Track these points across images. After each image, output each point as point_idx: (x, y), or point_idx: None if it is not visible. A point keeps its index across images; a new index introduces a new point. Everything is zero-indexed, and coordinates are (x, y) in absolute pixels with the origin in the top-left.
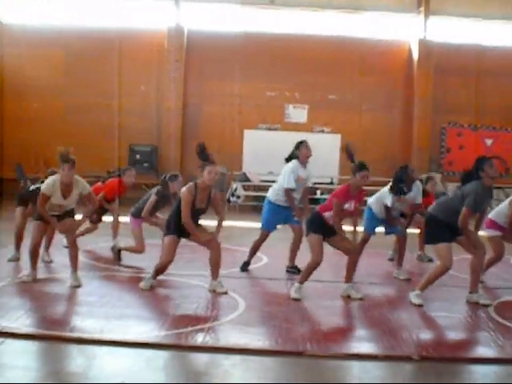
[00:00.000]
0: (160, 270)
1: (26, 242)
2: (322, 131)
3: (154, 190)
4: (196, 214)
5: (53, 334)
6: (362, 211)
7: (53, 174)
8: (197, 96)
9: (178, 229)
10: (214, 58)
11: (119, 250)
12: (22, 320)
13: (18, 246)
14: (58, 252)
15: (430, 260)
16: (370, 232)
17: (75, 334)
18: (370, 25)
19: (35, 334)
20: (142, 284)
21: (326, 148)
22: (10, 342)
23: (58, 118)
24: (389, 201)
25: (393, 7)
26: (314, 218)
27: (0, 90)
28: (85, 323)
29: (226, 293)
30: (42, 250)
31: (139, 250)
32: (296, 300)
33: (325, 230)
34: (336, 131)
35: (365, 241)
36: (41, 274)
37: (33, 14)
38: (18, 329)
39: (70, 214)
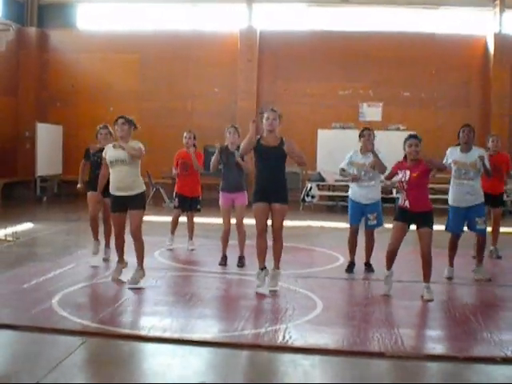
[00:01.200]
0: None
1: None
2: (397, 129)
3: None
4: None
5: (132, 334)
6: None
7: None
8: (270, 96)
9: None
10: (287, 58)
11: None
12: (105, 319)
13: (95, 236)
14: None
15: (499, 257)
16: (455, 232)
17: (155, 334)
18: (444, 20)
19: (115, 333)
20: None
21: (402, 146)
22: (91, 342)
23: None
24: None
25: (468, 2)
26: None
27: (76, 95)
28: (163, 322)
29: (275, 290)
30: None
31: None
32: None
33: (409, 219)
34: (411, 129)
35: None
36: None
37: (108, 20)
38: (99, 328)
39: (138, 202)
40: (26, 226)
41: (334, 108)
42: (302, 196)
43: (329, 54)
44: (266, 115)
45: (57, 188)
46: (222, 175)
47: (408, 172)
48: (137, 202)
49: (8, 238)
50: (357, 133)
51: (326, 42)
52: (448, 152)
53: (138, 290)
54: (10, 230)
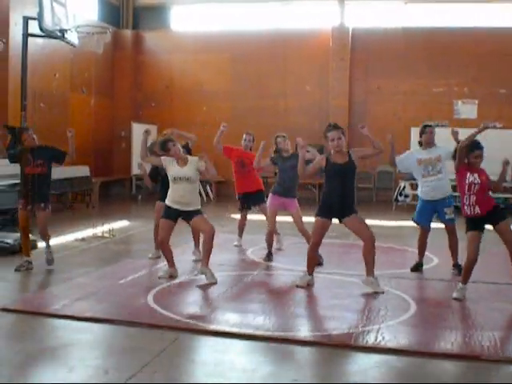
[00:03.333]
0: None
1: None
2: (494, 127)
3: None
4: None
5: (225, 330)
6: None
7: None
8: (362, 94)
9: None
10: (379, 56)
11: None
12: (198, 316)
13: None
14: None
15: None
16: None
17: (248, 331)
18: None
19: (208, 329)
20: (298, 282)
21: (498, 145)
22: (185, 337)
23: (226, 121)
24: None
25: None
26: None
27: (170, 95)
28: (256, 320)
29: (379, 292)
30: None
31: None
32: (457, 300)
33: (482, 223)
34: (508, 127)
35: None
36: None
37: (200, 21)
38: (192, 324)
39: (194, 213)
40: (122, 223)
41: (428, 105)
42: (394, 195)
43: (422, 51)
44: (330, 136)
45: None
46: (277, 180)
47: (477, 175)
48: (193, 213)
49: (105, 235)
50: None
51: (418, 38)
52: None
53: (228, 288)
54: (106, 227)
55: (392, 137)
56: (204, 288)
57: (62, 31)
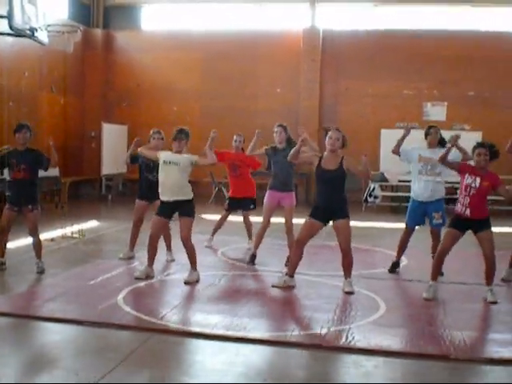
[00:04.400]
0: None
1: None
2: (462, 129)
3: None
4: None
5: (196, 331)
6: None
7: None
8: (332, 96)
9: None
10: (350, 58)
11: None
12: (169, 316)
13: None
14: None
15: None
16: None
17: (219, 331)
18: (507, 18)
19: (179, 330)
20: (275, 282)
21: (467, 146)
22: (155, 338)
23: (196, 121)
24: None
25: None
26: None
27: (140, 95)
28: (227, 321)
29: (351, 292)
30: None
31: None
32: (427, 300)
33: (465, 227)
34: (476, 129)
35: None
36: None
37: (171, 20)
38: (163, 325)
39: (187, 209)
40: (92, 223)
41: (398, 108)
42: (364, 196)
43: (392, 54)
44: (329, 134)
45: (121, 186)
46: (272, 174)
47: (478, 179)
48: (187, 209)
49: (74, 236)
50: (421, 133)
51: (389, 41)
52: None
53: (201, 289)
54: (76, 227)
55: (366, 158)
56: (175, 288)
57: (32, 30)
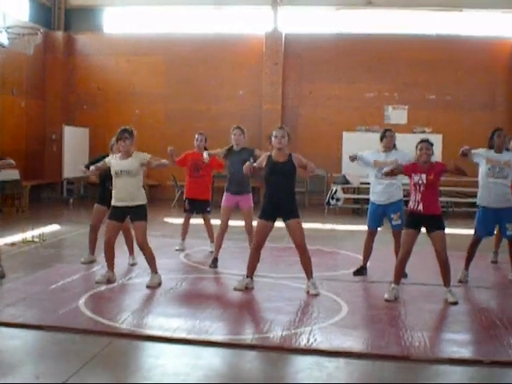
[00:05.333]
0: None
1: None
2: (423, 132)
3: None
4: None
5: (157, 335)
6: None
7: None
8: (295, 99)
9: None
10: (312, 61)
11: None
12: (130, 320)
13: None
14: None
15: None
16: (480, 235)
17: (180, 335)
18: (469, 22)
19: (140, 334)
20: (236, 284)
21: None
22: (117, 343)
23: (159, 124)
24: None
25: (492, 4)
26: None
27: (102, 98)
28: (189, 324)
29: (317, 294)
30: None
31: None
32: (388, 301)
33: (420, 224)
34: (437, 132)
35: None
36: (140, 276)
37: (133, 24)
38: (124, 329)
39: (139, 213)
40: (53, 227)
41: (360, 111)
42: (326, 199)
43: (354, 57)
44: (274, 133)
45: (83, 190)
46: (227, 176)
47: (424, 175)
48: (139, 214)
49: (35, 240)
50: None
51: (351, 44)
52: (481, 151)
53: (162, 292)
54: (36, 231)
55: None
56: (137, 292)
57: None
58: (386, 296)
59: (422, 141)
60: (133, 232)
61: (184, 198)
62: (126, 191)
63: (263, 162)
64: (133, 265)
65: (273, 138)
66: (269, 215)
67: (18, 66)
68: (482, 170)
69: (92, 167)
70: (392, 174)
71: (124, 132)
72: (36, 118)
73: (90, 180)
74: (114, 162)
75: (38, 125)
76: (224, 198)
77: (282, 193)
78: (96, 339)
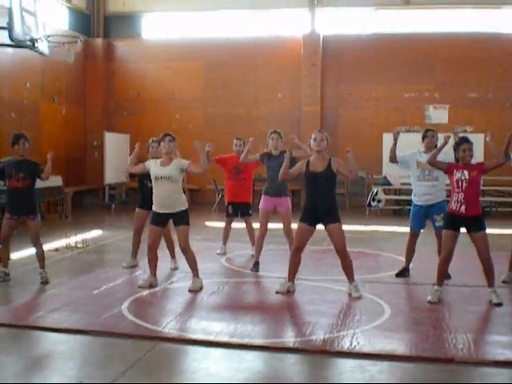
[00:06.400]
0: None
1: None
2: (465, 131)
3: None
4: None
5: (200, 339)
6: None
7: None
8: (334, 100)
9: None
10: (350, 62)
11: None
12: (173, 325)
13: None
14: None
15: None
16: None
17: (223, 339)
18: (507, 19)
19: (183, 338)
20: (278, 288)
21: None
22: (160, 347)
23: (199, 129)
24: None
25: None
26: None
27: (142, 104)
28: (231, 328)
29: (360, 297)
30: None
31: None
32: (431, 303)
33: (460, 225)
34: (479, 131)
35: None
36: (182, 280)
37: (171, 29)
38: (167, 333)
39: (182, 217)
40: (96, 233)
41: (400, 111)
42: (367, 201)
43: (393, 57)
44: (313, 136)
45: (125, 195)
46: (266, 179)
47: (466, 171)
48: (182, 218)
49: (78, 245)
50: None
51: (389, 44)
52: None
53: (204, 296)
54: (79, 237)
55: (351, 151)
56: (179, 297)
57: (32, 40)
58: (429, 298)
59: (464, 140)
60: (175, 236)
61: (226, 202)
62: (166, 197)
63: (302, 168)
64: (174, 269)
65: (312, 141)
66: (309, 219)
67: (59, 74)
68: None
69: (131, 157)
70: (435, 164)
71: (168, 135)
72: (77, 125)
73: (131, 185)
74: (154, 167)
75: (79, 132)
76: (262, 200)
77: (322, 199)
78: (139, 343)
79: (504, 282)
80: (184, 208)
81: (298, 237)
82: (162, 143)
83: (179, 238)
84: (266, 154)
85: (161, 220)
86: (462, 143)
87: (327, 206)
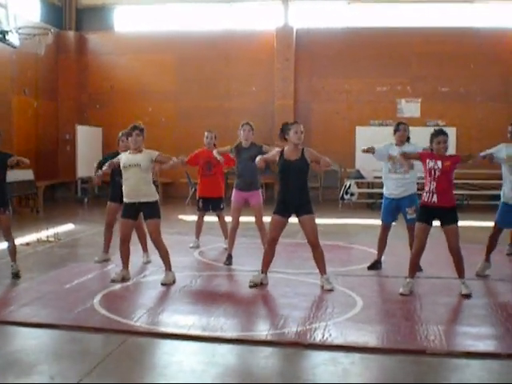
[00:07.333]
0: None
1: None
2: (436, 125)
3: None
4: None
5: (172, 332)
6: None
7: None
8: (307, 94)
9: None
10: (324, 56)
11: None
12: (145, 318)
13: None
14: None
15: None
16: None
17: (195, 332)
18: (482, 14)
19: (155, 331)
20: (251, 280)
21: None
22: (132, 340)
23: (171, 122)
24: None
25: None
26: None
27: (114, 97)
28: (204, 321)
29: (332, 290)
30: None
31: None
32: (403, 295)
33: (432, 216)
34: (451, 124)
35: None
36: (154, 273)
37: (144, 22)
38: (139, 327)
39: (152, 210)
40: (68, 227)
41: (372, 105)
42: (340, 194)
43: (366, 51)
44: (293, 128)
45: (97, 189)
46: (236, 173)
47: (440, 161)
48: (152, 211)
49: (50, 239)
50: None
51: (362, 38)
52: (500, 147)
53: (177, 290)
54: (51, 231)
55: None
56: (151, 290)
57: (3, 32)
58: (401, 290)
59: (440, 133)
60: (146, 229)
61: (197, 197)
62: (134, 185)
63: (276, 156)
64: (147, 263)
65: (292, 133)
66: (283, 211)
67: (30, 67)
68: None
69: (105, 166)
70: (407, 157)
71: (135, 128)
72: (49, 118)
73: (104, 179)
74: (124, 157)
75: (51, 125)
76: (233, 194)
77: (296, 190)
78: (111, 337)
79: (478, 275)
80: (153, 199)
81: (272, 229)
82: (129, 138)
83: (150, 232)
84: (236, 146)
85: (131, 212)
86: (438, 135)
87: (300, 196)
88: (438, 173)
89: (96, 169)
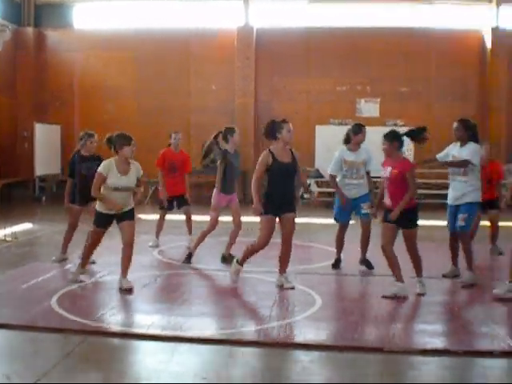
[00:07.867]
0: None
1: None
2: (395, 124)
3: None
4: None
5: (131, 332)
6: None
7: None
8: (268, 93)
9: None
10: (284, 55)
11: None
12: (104, 318)
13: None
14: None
15: (501, 253)
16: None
17: (155, 331)
18: (440, 15)
19: (114, 331)
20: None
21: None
22: (90, 340)
23: (132, 119)
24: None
25: None
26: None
27: (73, 95)
28: (163, 320)
29: (292, 288)
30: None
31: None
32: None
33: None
34: (409, 124)
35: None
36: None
37: (104, 19)
38: (97, 327)
39: (130, 213)
40: (25, 226)
41: (332, 104)
42: (300, 193)
43: (326, 51)
44: (286, 127)
45: (55, 188)
46: (223, 177)
47: (389, 168)
48: (130, 214)
49: (7, 239)
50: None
51: (322, 38)
52: (451, 147)
53: (137, 289)
54: (9, 230)
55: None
56: (110, 290)
57: None
58: (417, 291)
59: (383, 136)
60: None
61: (165, 197)
62: (122, 202)
63: (269, 160)
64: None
65: (285, 132)
66: (276, 210)
67: None
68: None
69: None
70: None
71: (130, 138)
72: (7, 115)
73: (62, 178)
74: (114, 177)
75: (9, 122)
76: (218, 197)
77: (288, 190)
78: (69, 337)
79: (444, 276)
80: (131, 207)
81: (269, 229)
82: (125, 148)
83: (128, 233)
84: (225, 151)
85: (108, 221)
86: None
87: (291, 196)
88: (387, 181)
89: (69, 171)
